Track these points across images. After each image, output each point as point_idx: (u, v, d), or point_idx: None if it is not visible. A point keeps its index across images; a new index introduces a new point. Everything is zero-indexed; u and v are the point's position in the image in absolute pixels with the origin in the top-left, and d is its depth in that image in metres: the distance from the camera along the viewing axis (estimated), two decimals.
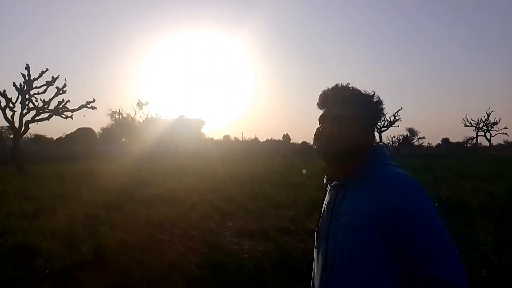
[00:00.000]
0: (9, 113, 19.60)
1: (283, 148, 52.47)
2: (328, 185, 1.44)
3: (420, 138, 65.50)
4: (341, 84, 1.37)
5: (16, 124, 19.75)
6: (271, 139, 63.52)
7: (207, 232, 6.73)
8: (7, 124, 19.72)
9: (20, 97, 19.69)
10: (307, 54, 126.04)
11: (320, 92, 1.41)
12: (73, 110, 21.08)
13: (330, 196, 1.39)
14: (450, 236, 1.18)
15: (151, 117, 40.25)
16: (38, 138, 51.50)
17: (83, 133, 54.58)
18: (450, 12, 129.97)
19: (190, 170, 19.12)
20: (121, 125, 42.93)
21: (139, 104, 38.41)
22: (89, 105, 21.12)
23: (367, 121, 1.36)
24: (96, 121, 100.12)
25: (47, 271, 4.65)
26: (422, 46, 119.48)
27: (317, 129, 1.40)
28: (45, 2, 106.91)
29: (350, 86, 1.37)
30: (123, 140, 47.59)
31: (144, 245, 5.79)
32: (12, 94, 19.78)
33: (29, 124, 20.03)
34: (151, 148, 38.76)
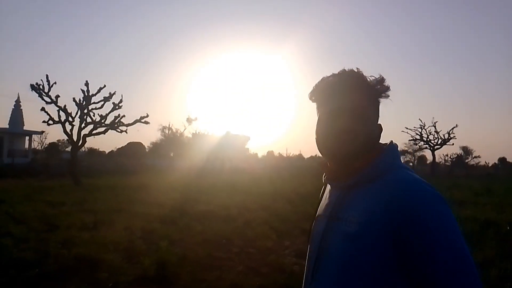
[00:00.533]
0: (68, 127, 20.59)
1: None
2: (328, 185, 1.25)
3: (475, 157, 62.32)
4: (348, 69, 1.16)
5: (75, 138, 20.67)
6: (315, 155, 62.73)
7: (265, 251, 6.54)
8: (65, 138, 20.67)
9: (79, 112, 20.64)
10: None
11: (320, 80, 1.19)
12: (127, 125, 21.81)
13: (330, 197, 1.20)
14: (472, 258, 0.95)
15: (199, 132, 40.99)
16: (91, 151, 54.01)
17: (134, 147, 56.57)
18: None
19: (238, 187, 19.10)
20: (170, 140, 44.03)
21: (189, 120, 39.32)
22: (142, 120, 21.79)
23: (378, 112, 1.17)
24: (147, 135, 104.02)
25: (110, 285, 4.63)
26: (478, 63, 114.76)
27: (320, 123, 1.18)
28: (103, 25, 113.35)
29: (358, 70, 1.15)
30: (171, 155, 48.71)
31: (203, 262, 5.69)
32: (72, 109, 20.74)
33: (86, 138, 20.90)
34: (198, 164, 39.35)
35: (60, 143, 56.04)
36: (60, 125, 20.44)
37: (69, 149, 51.41)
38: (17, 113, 37.73)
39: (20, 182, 19.67)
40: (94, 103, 21.07)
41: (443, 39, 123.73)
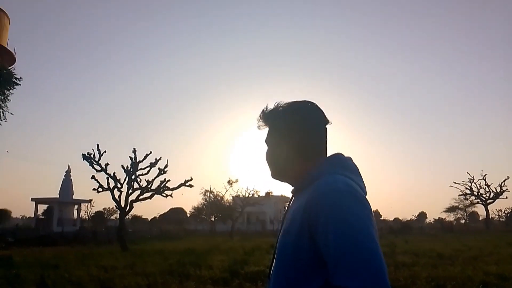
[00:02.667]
0: (116, 193, 21.27)
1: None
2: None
3: None
4: (265, 108, 1.36)
5: (122, 204, 21.25)
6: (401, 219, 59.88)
7: None
8: (110, 206, 21.23)
9: (127, 178, 21.40)
10: (433, 135, 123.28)
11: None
12: (172, 189, 22.30)
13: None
14: (377, 248, 1.01)
15: (240, 194, 41.08)
16: (135, 218, 54.93)
17: (175, 213, 57.23)
18: None
19: None
20: (211, 203, 44.28)
21: (230, 182, 39.67)
22: (187, 184, 22.23)
23: (296, 138, 1.29)
24: (190, 199, 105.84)
25: None
26: None
27: None
28: (147, 97, 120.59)
29: (277, 105, 1.34)
30: (213, 218, 48.70)
31: None
32: (120, 175, 21.54)
33: (133, 203, 21.43)
34: (240, 226, 39.00)
35: (105, 212, 57.53)
36: (108, 192, 21.19)
37: (114, 217, 52.87)
38: (67, 183, 39.58)
39: (70, 249, 20.14)
40: (141, 169, 21.86)
41: (485, 89, 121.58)
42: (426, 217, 73.00)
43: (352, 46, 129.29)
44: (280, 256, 1.18)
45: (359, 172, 1.28)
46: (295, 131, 1.30)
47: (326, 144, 1.33)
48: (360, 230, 1.03)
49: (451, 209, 59.55)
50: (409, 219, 65.88)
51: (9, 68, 23.31)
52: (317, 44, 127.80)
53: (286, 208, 1.41)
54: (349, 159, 1.30)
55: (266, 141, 1.37)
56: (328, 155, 1.32)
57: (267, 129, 1.37)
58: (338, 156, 1.30)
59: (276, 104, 1.34)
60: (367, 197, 1.16)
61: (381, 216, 60.11)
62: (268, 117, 1.34)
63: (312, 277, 1.09)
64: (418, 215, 72.66)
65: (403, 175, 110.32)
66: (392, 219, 56.95)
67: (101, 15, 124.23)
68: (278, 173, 1.35)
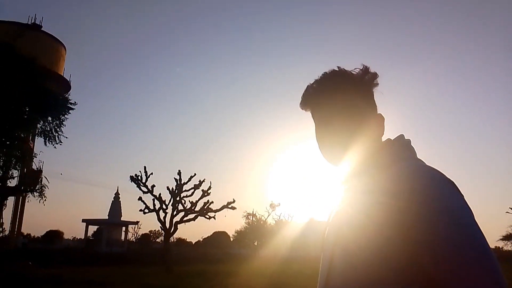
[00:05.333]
0: (162, 214, 21.75)
1: None
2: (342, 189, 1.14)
3: None
4: (328, 71, 1.11)
5: (167, 225, 21.65)
6: None
7: None
8: (156, 228, 21.71)
9: (172, 199, 21.87)
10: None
11: (305, 89, 1.15)
12: (215, 211, 22.49)
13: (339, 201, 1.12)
14: (488, 245, 0.82)
15: (283, 219, 40.72)
16: (180, 241, 55.71)
17: (219, 237, 57.41)
18: None
19: None
20: (254, 227, 44.13)
21: (272, 206, 39.50)
22: (229, 206, 22.36)
23: (371, 105, 1.12)
24: (232, 222, 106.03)
25: None
26: None
27: (315, 133, 1.15)
28: (189, 120, 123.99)
29: (339, 69, 1.11)
30: (255, 243, 48.40)
31: None
32: (165, 197, 22.05)
33: (178, 225, 21.77)
34: (283, 251, 38.46)
35: (151, 234, 58.80)
36: (154, 213, 21.70)
37: (159, 239, 53.96)
38: (116, 205, 40.97)
39: (117, 269, 20.66)
40: (185, 190, 22.29)
41: None
42: None
43: None
44: (349, 256, 0.95)
45: None
46: (368, 98, 1.12)
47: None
48: (471, 224, 0.85)
49: (508, 237, 55.66)
50: None
51: (65, 95, 24.96)
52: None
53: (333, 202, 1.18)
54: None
55: (320, 119, 1.12)
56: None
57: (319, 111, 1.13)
58: (408, 140, 1.09)
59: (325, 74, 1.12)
60: None
61: None
62: (327, 86, 1.11)
63: (400, 279, 0.88)
64: None
65: None
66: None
67: (143, 40, 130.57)
68: (338, 155, 1.09)
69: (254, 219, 43.70)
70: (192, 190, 22.41)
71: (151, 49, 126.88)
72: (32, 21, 36.31)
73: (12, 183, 24.83)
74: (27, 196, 26.62)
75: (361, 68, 1.11)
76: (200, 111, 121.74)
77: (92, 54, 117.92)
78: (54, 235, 46.65)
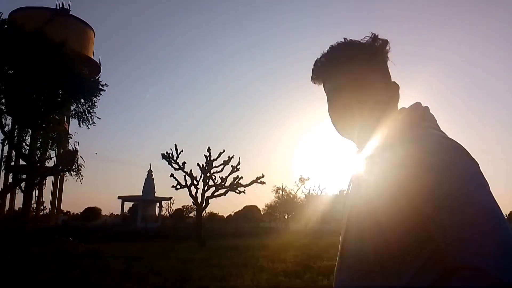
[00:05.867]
0: (193, 190, 22.30)
1: None
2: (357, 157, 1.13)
3: None
4: (336, 42, 1.09)
5: (199, 200, 22.21)
6: None
7: None
8: (188, 203, 22.31)
9: (202, 175, 22.34)
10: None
11: (314, 64, 1.13)
12: (245, 186, 22.86)
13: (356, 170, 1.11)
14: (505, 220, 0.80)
15: (313, 192, 40.85)
16: (212, 215, 56.97)
17: (250, 211, 58.27)
18: None
19: None
20: (284, 201, 44.52)
21: (301, 180, 39.64)
22: (259, 180, 22.65)
23: (385, 72, 1.09)
24: (262, 197, 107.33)
25: None
26: None
27: (328, 105, 1.13)
28: (220, 99, 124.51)
29: (347, 40, 1.08)
30: (286, 217, 48.90)
31: None
32: (196, 173, 22.51)
33: (209, 200, 22.31)
34: (314, 225, 38.75)
35: (184, 209, 60.38)
36: (186, 189, 22.27)
37: (192, 214, 55.46)
38: (149, 182, 42.14)
39: (152, 244, 21.46)
40: (215, 166, 22.70)
41: None
42: None
43: None
44: (367, 225, 0.95)
45: None
46: (381, 66, 1.10)
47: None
48: (488, 196, 0.84)
49: None
50: None
51: (96, 77, 25.55)
52: None
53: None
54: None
55: (330, 91, 1.10)
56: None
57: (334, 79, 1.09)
58: (426, 107, 1.05)
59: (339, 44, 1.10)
60: None
61: None
62: (336, 56, 1.08)
63: (415, 250, 0.88)
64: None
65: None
66: None
67: (177, 20, 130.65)
68: (349, 126, 1.08)
69: (283, 193, 44.01)
70: (222, 166, 22.81)
71: (180, 29, 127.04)
72: (61, 6, 36.99)
73: (50, 163, 25.93)
74: (65, 175, 27.79)
75: (370, 36, 1.08)
76: (228, 89, 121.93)
77: (121, 35, 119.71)
78: (92, 212, 48.58)
